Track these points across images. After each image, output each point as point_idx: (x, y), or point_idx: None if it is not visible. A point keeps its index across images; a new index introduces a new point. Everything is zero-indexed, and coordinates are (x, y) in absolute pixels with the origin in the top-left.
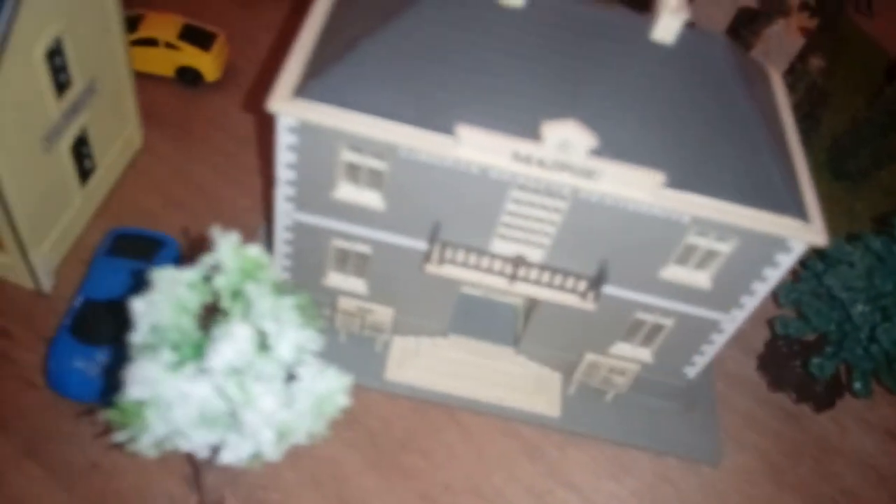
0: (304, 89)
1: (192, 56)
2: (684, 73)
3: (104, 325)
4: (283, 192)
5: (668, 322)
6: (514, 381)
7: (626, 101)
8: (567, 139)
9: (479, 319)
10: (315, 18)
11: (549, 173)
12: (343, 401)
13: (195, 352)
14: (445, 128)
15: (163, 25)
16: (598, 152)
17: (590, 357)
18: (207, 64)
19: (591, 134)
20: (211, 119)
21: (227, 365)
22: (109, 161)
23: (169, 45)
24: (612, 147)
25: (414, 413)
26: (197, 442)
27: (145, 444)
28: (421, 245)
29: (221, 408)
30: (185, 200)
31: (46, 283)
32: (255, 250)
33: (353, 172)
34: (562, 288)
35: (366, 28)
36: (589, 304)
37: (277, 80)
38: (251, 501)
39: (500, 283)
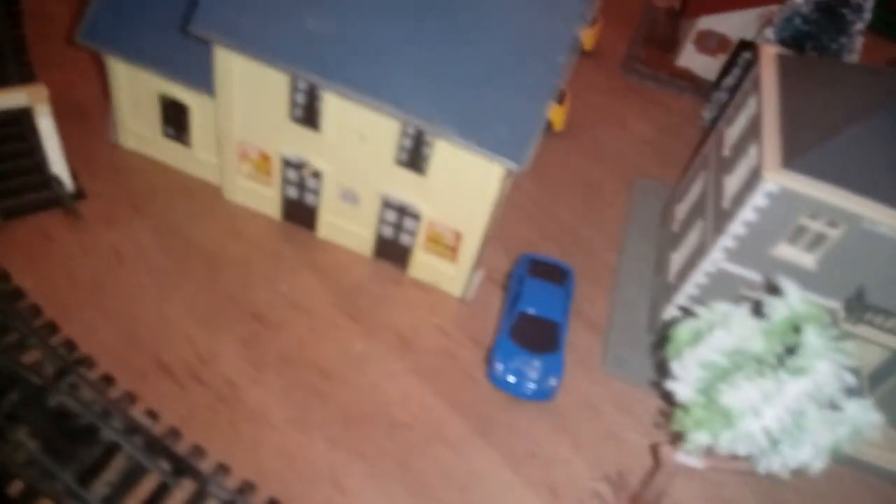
0: (791, 163)
1: (550, 109)
2: None
3: (535, 335)
4: (723, 243)
5: None
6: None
7: None
8: None
9: None
10: (769, 104)
11: None
12: (874, 434)
13: (771, 374)
14: None
15: None
16: None
17: None
18: (559, 116)
19: None
20: (559, 164)
21: (806, 391)
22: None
23: None
24: None
25: None
26: (752, 449)
27: (701, 443)
28: (831, 303)
29: (787, 424)
30: (554, 235)
31: (470, 294)
32: (812, 299)
33: (797, 235)
34: None
35: (842, 118)
36: None
37: (764, 154)
38: None
39: None
